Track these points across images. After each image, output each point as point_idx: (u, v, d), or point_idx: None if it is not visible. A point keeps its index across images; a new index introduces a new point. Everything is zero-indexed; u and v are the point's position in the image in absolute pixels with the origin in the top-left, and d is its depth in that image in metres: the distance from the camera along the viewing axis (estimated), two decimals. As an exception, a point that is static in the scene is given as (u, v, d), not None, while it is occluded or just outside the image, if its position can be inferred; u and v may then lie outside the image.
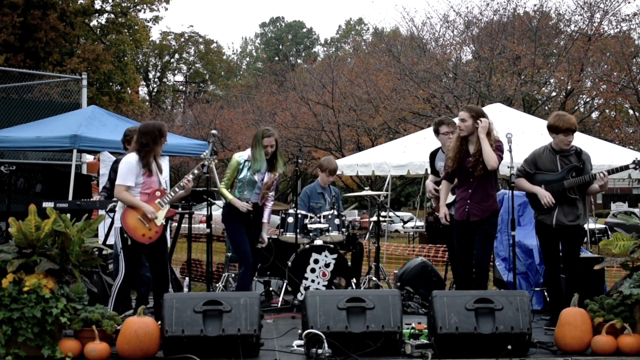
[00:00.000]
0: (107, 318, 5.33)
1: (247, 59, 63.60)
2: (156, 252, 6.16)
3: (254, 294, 5.74)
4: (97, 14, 32.35)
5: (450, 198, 7.07)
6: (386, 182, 14.42)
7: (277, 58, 53.99)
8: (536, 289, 7.51)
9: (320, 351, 5.14)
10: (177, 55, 48.19)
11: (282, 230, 7.96)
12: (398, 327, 5.34)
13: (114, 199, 6.40)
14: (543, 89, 23.47)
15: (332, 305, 5.37)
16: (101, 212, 6.99)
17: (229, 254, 8.97)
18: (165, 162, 10.69)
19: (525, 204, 7.92)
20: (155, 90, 47.46)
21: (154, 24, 42.58)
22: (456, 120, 6.71)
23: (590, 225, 13.76)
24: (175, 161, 25.39)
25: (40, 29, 25.49)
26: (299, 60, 52.15)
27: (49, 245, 5.40)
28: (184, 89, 49.13)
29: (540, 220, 6.49)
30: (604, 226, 21.22)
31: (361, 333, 5.30)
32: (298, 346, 5.49)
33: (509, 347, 5.27)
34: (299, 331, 5.63)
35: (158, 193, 6.06)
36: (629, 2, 40.02)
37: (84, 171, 11.65)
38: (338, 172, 10.31)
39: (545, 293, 7.14)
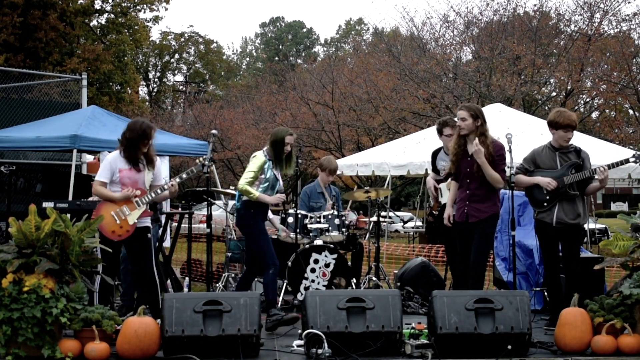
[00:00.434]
0: (107, 318, 5.33)
1: (247, 59, 63.59)
2: (133, 251, 6.15)
3: (254, 294, 5.74)
4: (97, 14, 32.36)
5: (446, 198, 7.07)
6: (386, 182, 14.43)
7: (277, 58, 53.99)
8: (536, 289, 7.50)
9: (320, 351, 5.14)
10: (177, 55, 48.16)
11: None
12: (398, 327, 5.34)
13: None
14: (543, 89, 23.47)
15: (332, 305, 5.37)
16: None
17: (229, 254, 8.97)
18: (165, 162, 10.71)
19: (525, 204, 7.92)
20: (155, 90, 47.43)
21: (154, 24, 42.62)
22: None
23: (590, 225, 13.76)
24: (175, 161, 25.39)
25: (40, 29, 25.50)
26: (299, 60, 52.15)
27: (49, 245, 5.39)
28: (184, 89, 49.10)
29: (539, 219, 6.48)
30: (604, 226, 21.25)
31: (361, 333, 5.30)
32: (298, 346, 5.49)
33: (509, 347, 5.27)
34: (299, 331, 5.64)
35: (138, 192, 6.06)
36: (629, 2, 40.05)
37: (84, 171, 11.64)
38: (338, 172, 10.31)
39: (545, 293, 7.14)
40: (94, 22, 32.73)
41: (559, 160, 6.43)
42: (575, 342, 5.44)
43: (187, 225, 8.53)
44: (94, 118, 10.13)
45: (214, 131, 7.05)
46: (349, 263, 7.97)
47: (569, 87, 20.79)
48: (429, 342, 5.41)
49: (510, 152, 6.34)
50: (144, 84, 45.90)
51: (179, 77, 49.53)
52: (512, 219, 6.36)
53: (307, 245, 7.64)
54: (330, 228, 7.75)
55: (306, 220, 7.78)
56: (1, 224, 9.90)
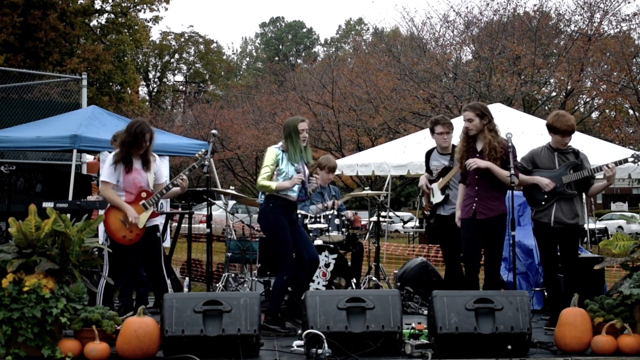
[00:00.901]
0: (107, 318, 5.33)
1: (247, 59, 63.61)
2: (143, 250, 6.16)
3: (254, 294, 5.74)
4: (97, 14, 32.38)
5: (439, 198, 7.06)
6: (386, 182, 14.43)
7: (277, 58, 53.99)
8: (536, 289, 7.50)
9: (320, 351, 5.14)
10: (177, 55, 48.16)
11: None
12: (398, 327, 5.34)
13: None
14: (543, 89, 23.48)
15: (332, 305, 5.37)
16: (101, 212, 6.98)
17: (229, 254, 8.97)
18: (165, 162, 10.70)
19: (525, 204, 7.91)
20: (155, 90, 47.43)
21: (154, 24, 42.57)
22: (455, 120, 6.69)
23: (590, 225, 13.76)
24: (175, 161, 25.38)
25: (40, 29, 25.52)
26: (299, 60, 52.18)
27: (49, 245, 5.39)
28: (184, 89, 49.10)
29: (537, 220, 6.46)
30: (604, 226, 21.26)
31: (361, 333, 5.30)
32: (298, 346, 5.49)
33: (509, 347, 5.27)
34: (299, 331, 5.63)
35: (144, 194, 6.05)
36: (629, 2, 40.01)
37: (84, 171, 11.64)
38: (338, 172, 10.31)
39: (545, 293, 7.14)
40: (94, 22, 32.77)
41: (558, 160, 6.43)
42: (575, 342, 5.44)
43: (187, 225, 8.53)
44: (94, 118, 10.13)
45: (214, 131, 7.04)
46: (349, 263, 7.96)
47: (569, 87, 20.80)
48: (429, 342, 5.41)
49: (510, 152, 6.33)
50: (144, 84, 45.92)
51: (179, 77, 49.58)
52: (512, 219, 6.34)
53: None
54: (330, 228, 7.74)
55: (306, 221, 7.77)
56: (1, 224, 9.89)
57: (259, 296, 5.54)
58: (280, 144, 6.51)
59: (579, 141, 9.55)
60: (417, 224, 18.23)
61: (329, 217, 7.78)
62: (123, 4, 33.12)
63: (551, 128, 6.40)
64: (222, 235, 11.18)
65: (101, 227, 7.34)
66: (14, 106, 12.00)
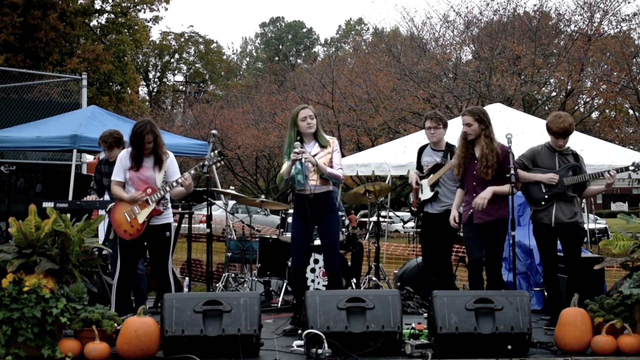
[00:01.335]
0: (107, 318, 5.33)
1: (247, 59, 63.60)
2: (156, 252, 6.21)
3: (254, 294, 5.74)
4: (97, 14, 32.37)
5: (428, 194, 7.04)
6: (386, 182, 14.42)
7: (277, 58, 53.99)
8: (536, 289, 7.50)
9: (320, 351, 5.13)
10: (177, 55, 48.17)
11: (282, 230, 7.95)
12: (398, 327, 5.34)
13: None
14: (543, 89, 23.47)
15: (332, 305, 5.36)
16: (101, 212, 7.00)
17: (229, 254, 8.98)
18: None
19: (525, 204, 7.90)
20: (155, 90, 47.44)
21: (154, 24, 42.66)
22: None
23: (590, 225, 13.76)
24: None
25: (40, 29, 25.51)
26: (299, 60, 52.18)
27: (49, 245, 5.39)
28: (184, 89, 49.10)
29: (537, 220, 6.45)
30: (604, 226, 21.27)
31: (361, 333, 5.29)
32: (298, 346, 5.49)
33: (509, 347, 5.27)
34: (299, 331, 5.63)
35: (149, 190, 6.08)
36: (629, 2, 40.06)
37: (84, 171, 11.66)
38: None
39: (545, 293, 7.13)
40: (94, 22, 32.76)
41: (558, 161, 6.43)
42: (575, 342, 5.44)
43: (187, 225, 8.53)
44: (94, 118, 10.14)
45: (214, 131, 7.03)
46: (349, 263, 7.96)
47: (569, 87, 20.79)
48: (429, 342, 5.41)
49: (510, 152, 6.33)
50: (144, 84, 45.93)
51: (179, 77, 49.59)
52: (512, 219, 6.34)
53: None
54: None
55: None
56: (1, 224, 9.90)
57: (259, 296, 5.54)
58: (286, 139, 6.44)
59: (579, 141, 9.55)
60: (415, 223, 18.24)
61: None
62: (123, 4, 33.12)
63: (547, 128, 6.43)
64: (222, 235, 11.18)
65: (101, 228, 7.37)
66: (14, 106, 12.01)
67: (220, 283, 8.39)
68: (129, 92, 33.58)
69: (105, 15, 33.11)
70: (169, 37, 46.45)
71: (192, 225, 8.56)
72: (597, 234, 17.19)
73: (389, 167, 12.80)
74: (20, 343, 5.11)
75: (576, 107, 23.46)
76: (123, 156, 6.18)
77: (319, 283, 7.53)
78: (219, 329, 5.21)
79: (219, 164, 6.42)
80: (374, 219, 8.71)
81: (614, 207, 43.77)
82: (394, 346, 5.36)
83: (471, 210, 6.23)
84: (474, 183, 6.25)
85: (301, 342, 5.42)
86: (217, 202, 10.44)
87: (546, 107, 22.55)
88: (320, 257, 7.53)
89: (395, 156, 12.97)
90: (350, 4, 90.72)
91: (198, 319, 5.22)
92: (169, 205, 6.30)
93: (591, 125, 23.06)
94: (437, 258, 7.09)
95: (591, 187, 6.56)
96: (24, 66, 22.06)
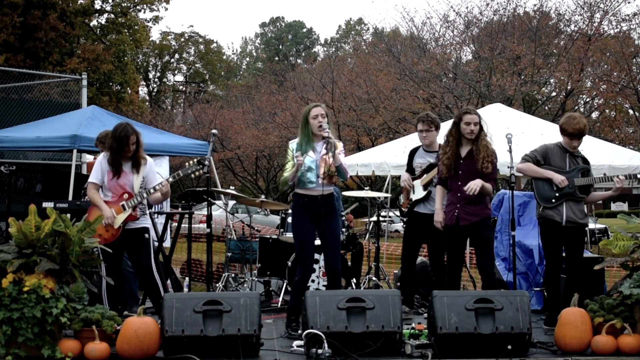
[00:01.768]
0: (107, 318, 5.33)
1: (247, 59, 63.57)
2: (134, 256, 6.20)
3: (254, 294, 5.74)
4: (97, 14, 32.35)
5: (421, 194, 7.04)
6: (386, 182, 14.41)
7: (277, 58, 54.01)
8: (536, 289, 7.50)
9: (320, 351, 5.14)
10: (177, 55, 48.13)
11: (282, 230, 7.95)
12: (398, 327, 5.34)
13: None
14: (543, 89, 23.45)
15: (332, 305, 5.37)
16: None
17: (229, 254, 8.98)
18: (165, 162, 10.70)
19: (525, 204, 7.92)
20: (155, 90, 47.41)
21: (154, 24, 42.61)
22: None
23: (590, 225, 13.75)
24: (175, 161, 25.36)
25: (40, 29, 25.49)
26: (299, 60, 52.17)
27: (49, 245, 5.40)
28: (184, 89, 49.08)
29: (547, 217, 6.39)
30: (604, 226, 21.27)
31: (361, 333, 5.30)
32: (298, 346, 5.49)
33: (509, 347, 5.27)
34: (299, 331, 5.63)
35: (126, 195, 6.11)
36: (629, 2, 39.98)
37: (84, 171, 11.64)
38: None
39: (545, 293, 7.13)
40: (94, 22, 32.73)
41: (569, 162, 6.43)
42: (575, 342, 5.44)
43: (187, 225, 8.53)
44: (94, 118, 10.13)
45: (214, 131, 7.05)
46: (349, 263, 7.96)
47: (569, 87, 20.77)
48: (429, 342, 5.41)
49: (510, 152, 6.32)
50: (144, 84, 45.89)
51: (179, 77, 49.55)
52: (512, 219, 6.35)
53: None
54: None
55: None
56: (1, 224, 9.90)
57: (259, 296, 5.54)
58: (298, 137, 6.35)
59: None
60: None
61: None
62: (123, 4, 33.10)
63: (561, 129, 6.43)
64: (222, 235, 11.18)
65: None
66: (14, 106, 12.00)
67: (220, 283, 8.39)
68: (129, 92, 33.55)
69: (105, 15, 33.10)
70: (169, 37, 46.43)
71: (192, 225, 8.55)
72: (597, 234, 17.18)
73: (389, 167, 12.81)
74: (20, 343, 5.12)
75: (576, 107, 23.43)
76: (103, 159, 6.18)
77: (319, 283, 7.53)
78: (219, 329, 5.21)
79: (197, 173, 6.36)
80: (374, 218, 8.71)
81: (614, 207, 43.76)
82: (394, 346, 5.36)
83: (456, 212, 6.23)
84: (459, 183, 6.24)
85: (301, 342, 5.42)
86: (217, 202, 10.43)
87: (546, 107, 22.55)
88: (320, 257, 7.53)
89: (395, 156, 12.97)
90: (350, 4, 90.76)
91: (198, 319, 5.22)
92: (147, 210, 6.29)
93: (591, 125, 22.97)
94: (435, 259, 7.09)
95: (595, 193, 6.58)
96: (24, 66, 22.04)
